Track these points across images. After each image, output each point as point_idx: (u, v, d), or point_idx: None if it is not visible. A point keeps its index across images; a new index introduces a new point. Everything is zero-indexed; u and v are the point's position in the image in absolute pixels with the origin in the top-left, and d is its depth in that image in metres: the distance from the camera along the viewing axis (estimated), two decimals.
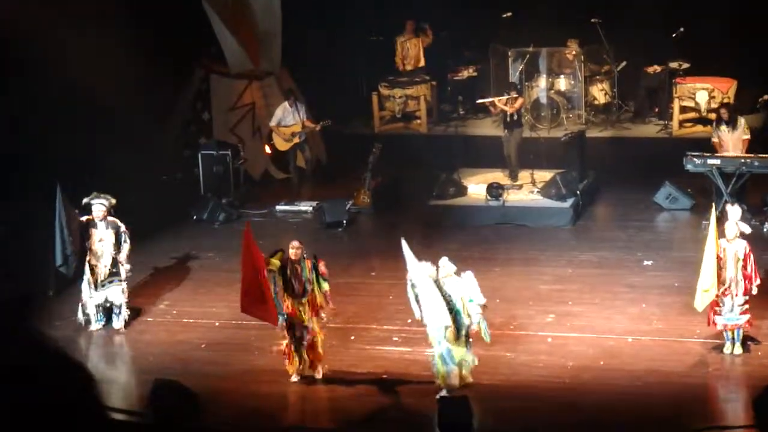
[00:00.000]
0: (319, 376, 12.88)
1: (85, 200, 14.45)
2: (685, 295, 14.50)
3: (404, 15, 22.46)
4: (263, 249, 13.10)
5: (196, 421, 6.90)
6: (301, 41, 21.08)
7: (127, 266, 14.58)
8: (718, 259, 12.89)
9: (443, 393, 12.14)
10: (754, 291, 13.04)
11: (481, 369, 12.55)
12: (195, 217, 18.87)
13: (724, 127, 17.57)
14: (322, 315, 12.87)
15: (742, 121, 17.70)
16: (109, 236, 14.42)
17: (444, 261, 12.43)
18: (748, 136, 17.56)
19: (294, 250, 12.65)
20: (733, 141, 17.48)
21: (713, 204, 13.06)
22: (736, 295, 12.96)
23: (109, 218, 14.46)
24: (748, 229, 13.19)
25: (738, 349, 13.03)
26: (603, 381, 12.71)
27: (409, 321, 13.97)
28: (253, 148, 20.83)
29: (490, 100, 20.02)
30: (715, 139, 17.66)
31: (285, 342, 12.76)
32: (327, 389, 12.79)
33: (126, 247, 14.49)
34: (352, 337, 13.97)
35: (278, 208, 19.20)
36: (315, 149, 20.77)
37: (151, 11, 18.98)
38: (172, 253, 17.20)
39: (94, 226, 14.42)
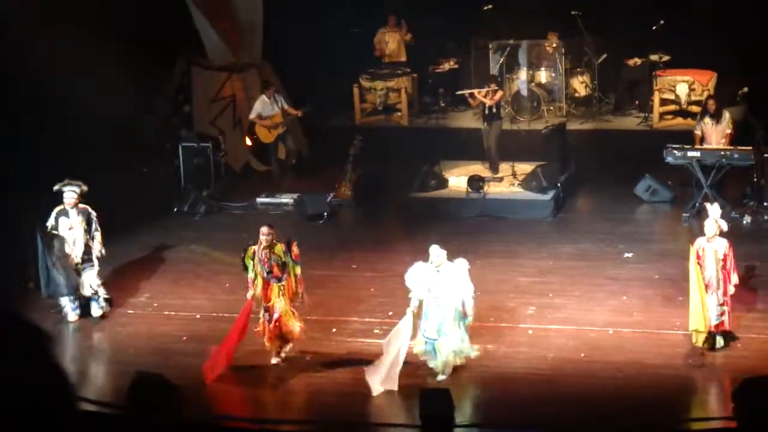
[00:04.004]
0: (283, 355, 13.04)
1: (56, 187, 14.42)
2: (665, 287, 14.60)
3: (386, 7, 22.44)
4: (245, 241, 13.19)
5: (176, 414, 6.88)
6: (282, 33, 21.03)
7: (98, 249, 14.53)
8: (698, 258, 12.90)
9: (442, 378, 12.40)
10: (731, 291, 13.01)
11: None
12: (176, 210, 18.84)
13: (708, 120, 17.59)
14: (301, 295, 12.97)
15: (726, 114, 17.71)
16: (80, 223, 14.41)
17: (434, 249, 12.47)
18: (731, 131, 17.57)
19: (264, 236, 12.74)
20: (716, 134, 17.51)
21: (691, 248, 12.99)
22: (718, 294, 12.93)
23: (80, 205, 14.44)
24: (725, 226, 13.15)
25: (720, 343, 13.05)
26: (584, 373, 12.75)
27: (390, 313, 14.00)
28: (234, 140, 20.79)
29: (470, 91, 20.05)
30: (697, 131, 17.68)
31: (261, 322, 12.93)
32: (308, 381, 12.79)
33: (98, 234, 14.48)
34: (333, 330, 13.97)
35: (259, 200, 19.18)
36: (296, 141, 20.75)
37: (131, 4, 18.92)
38: (153, 245, 17.16)
39: (65, 214, 14.40)
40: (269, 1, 20.92)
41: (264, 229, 12.83)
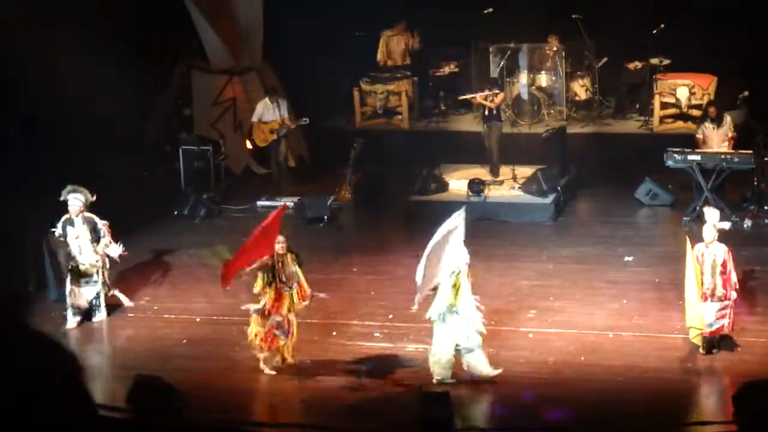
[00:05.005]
0: (293, 361, 13.02)
1: (62, 196, 14.38)
2: (666, 291, 14.59)
3: (388, 11, 22.42)
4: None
5: (177, 417, 6.88)
6: (283, 36, 21.04)
7: (115, 250, 14.57)
8: (698, 263, 12.86)
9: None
10: (733, 296, 12.93)
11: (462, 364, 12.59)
12: (176, 213, 18.84)
13: (708, 124, 17.60)
14: (306, 302, 12.95)
15: (728, 119, 17.72)
16: (85, 232, 14.39)
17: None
18: (732, 134, 17.58)
19: (280, 244, 12.73)
20: (717, 138, 17.51)
21: (687, 240, 12.94)
22: (717, 300, 12.90)
23: (85, 214, 14.42)
24: (727, 226, 13.11)
25: (716, 348, 12.99)
26: (584, 376, 12.73)
27: (390, 317, 14.00)
28: (235, 144, 20.79)
29: (471, 96, 20.04)
30: (698, 135, 17.69)
31: (261, 332, 12.80)
32: (309, 385, 12.77)
33: (104, 241, 14.47)
34: (334, 333, 13.96)
35: (259, 203, 19.18)
36: (296, 145, 20.74)
37: (131, 6, 18.93)
38: (153, 248, 17.15)
39: (71, 223, 14.38)
40: (269, 4, 20.91)
41: (280, 237, 12.84)
